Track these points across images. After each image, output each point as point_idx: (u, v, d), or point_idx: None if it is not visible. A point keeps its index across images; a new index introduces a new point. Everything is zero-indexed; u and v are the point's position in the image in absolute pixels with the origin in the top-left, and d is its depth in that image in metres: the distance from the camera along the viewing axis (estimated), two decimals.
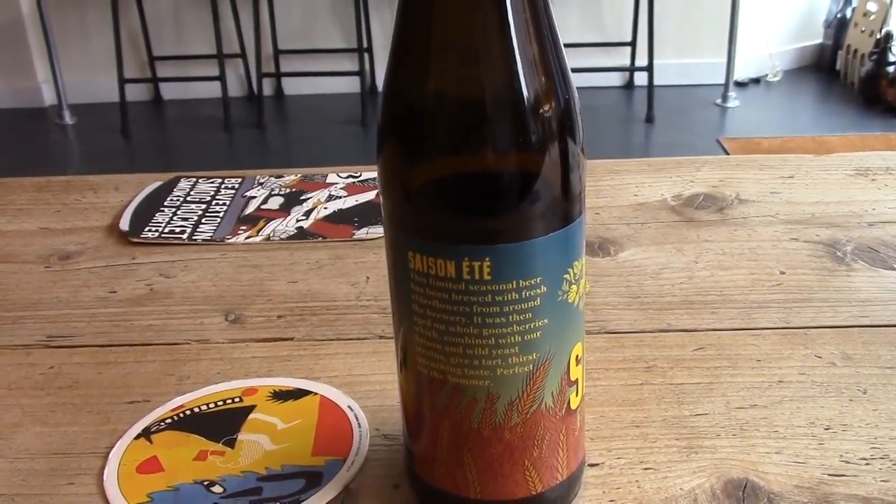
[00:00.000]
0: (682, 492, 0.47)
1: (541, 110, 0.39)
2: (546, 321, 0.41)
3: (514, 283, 0.40)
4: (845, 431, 0.51)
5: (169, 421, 0.55)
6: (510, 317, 0.40)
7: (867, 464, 0.49)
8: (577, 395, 0.44)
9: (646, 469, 0.49)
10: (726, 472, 0.49)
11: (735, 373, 0.57)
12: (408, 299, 0.42)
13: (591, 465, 0.50)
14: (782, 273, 0.69)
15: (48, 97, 4.41)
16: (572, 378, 0.43)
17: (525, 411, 0.42)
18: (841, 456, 0.50)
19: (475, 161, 0.40)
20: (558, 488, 0.45)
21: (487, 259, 0.39)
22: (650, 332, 0.62)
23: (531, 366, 0.41)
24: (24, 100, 4.43)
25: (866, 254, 0.71)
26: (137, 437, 0.53)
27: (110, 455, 0.52)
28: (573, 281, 0.41)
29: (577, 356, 0.43)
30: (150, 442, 0.53)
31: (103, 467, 0.51)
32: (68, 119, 4.19)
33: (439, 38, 0.39)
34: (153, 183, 0.89)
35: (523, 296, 0.40)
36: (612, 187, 0.85)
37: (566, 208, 0.40)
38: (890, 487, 0.47)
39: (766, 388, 0.55)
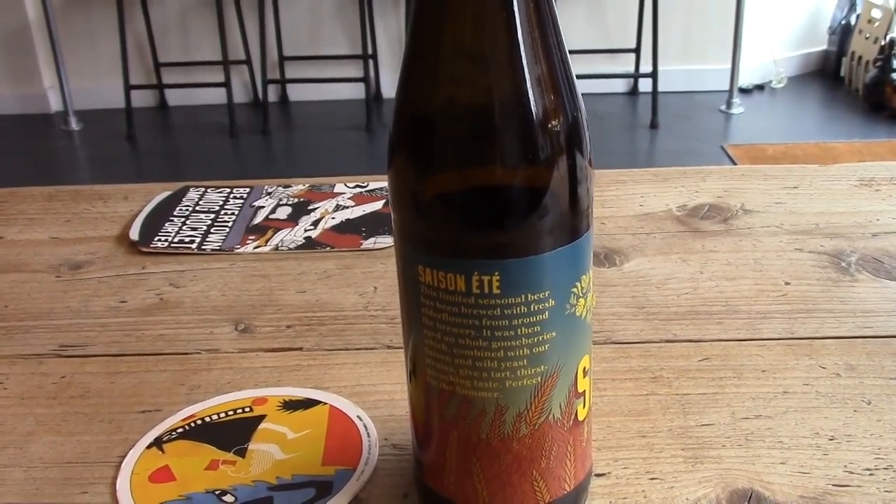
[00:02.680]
0: (688, 502, 0.48)
1: (551, 127, 0.40)
2: (554, 334, 0.42)
3: (523, 296, 0.40)
4: (849, 442, 0.52)
5: (180, 430, 0.55)
6: (519, 330, 0.41)
7: (871, 474, 0.50)
8: (584, 407, 0.45)
9: (652, 479, 0.50)
10: (731, 483, 0.49)
11: (740, 383, 0.58)
12: (418, 312, 0.42)
13: (598, 475, 0.50)
14: (787, 284, 0.69)
15: (54, 103, 4.43)
16: (580, 390, 0.44)
17: (533, 423, 0.43)
18: (845, 466, 0.50)
19: (486, 177, 0.40)
20: (565, 499, 0.46)
21: (497, 273, 0.40)
22: (656, 342, 0.63)
23: (539, 378, 0.42)
24: (30, 106, 4.45)
25: (870, 264, 0.72)
26: (149, 447, 0.54)
27: (123, 464, 0.53)
28: (581, 294, 0.42)
29: (585, 368, 0.44)
30: (162, 451, 0.54)
31: (116, 476, 0.52)
32: (74, 125, 4.21)
33: (450, 56, 0.40)
34: (162, 193, 0.89)
35: (532, 309, 0.41)
36: (617, 197, 0.86)
37: (574, 223, 0.41)
38: (894, 498, 0.48)
39: (770, 399, 0.56)
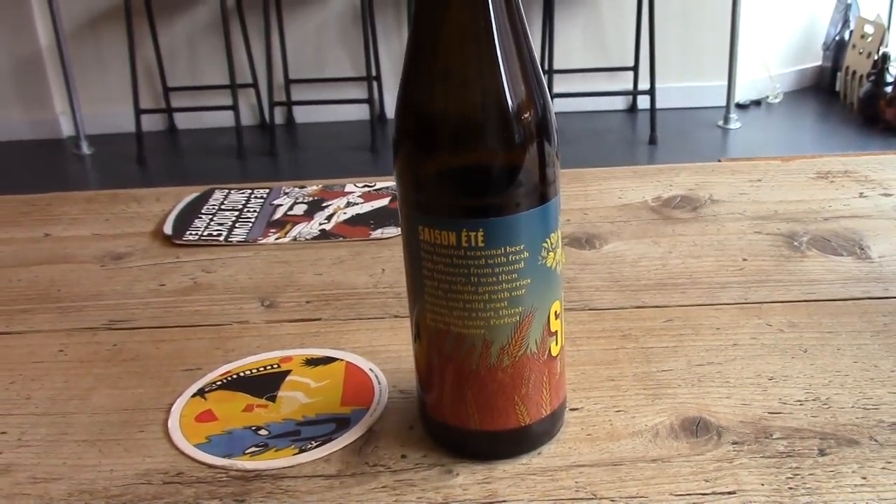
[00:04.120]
0: (647, 427, 0.58)
1: (520, 119, 0.50)
2: (529, 281, 0.51)
3: (503, 249, 0.50)
4: (785, 381, 0.62)
5: (219, 383, 0.65)
6: (500, 277, 0.51)
7: (801, 404, 0.59)
8: (556, 345, 0.55)
9: (617, 411, 0.59)
10: (684, 413, 0.59)
11: (697, 338, 0.67)
12: (418, 265, 0.52)
13: (573, 409, 0.60)
14: (745, 260, 0.79)
15: (66, 128, 4.54)
16: (552, 330, 0.54)
17: (514, 355, 0.53)
18: (780, 399, 0.60)
19: (471, 157, 0.50)
20: (543, 422, 0.55)
21: (481, 230, 0.50)
22: (627, 308, 0.72)
23: (518, 317, 0.52)
24: (42, 131, 4.56)
25: (819, 243, 0.81)
26: (194, 396, 0.64)
27: (172, 409, 0.62)
28: (550, 249, 0.52)
29: (556, 312, 0.54)
30: (205, 399, 0.63)
31: (167, 419, 0.62)
32: (86, 149, 4.32)
33: (442, 62, 0.50)
34: (190, 194, 0.99)
35: (510, 260, 0.50)
36: (599, 191, 0.96)
37: (543, 190, 0.51)
38: (817, 421, 0.57)
39: (722, 350, 0.66)
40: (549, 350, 0.54)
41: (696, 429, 0.57)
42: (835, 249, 0.80)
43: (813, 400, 0.60)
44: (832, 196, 0.91)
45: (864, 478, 0.52)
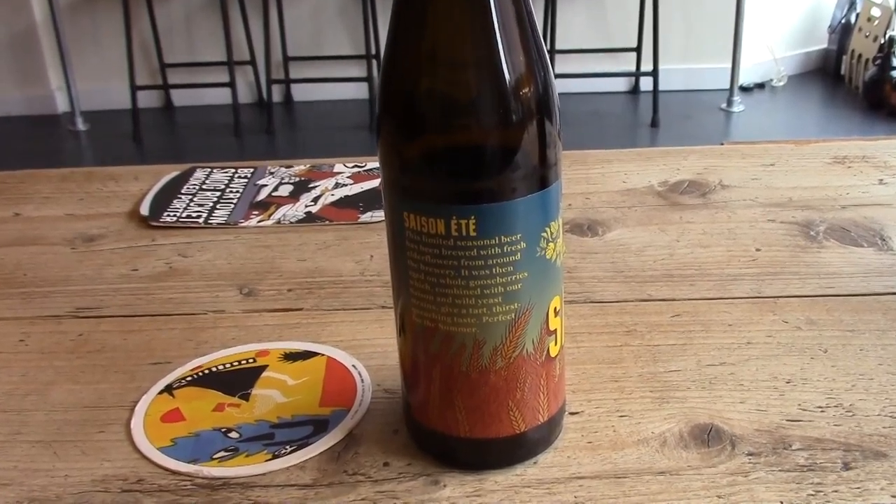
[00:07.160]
0: (654, 435, 0.53)
1: (518, 93, 0.44)
2: (526, 274, 0.46)
3: (497, 239, 0.45)
4: (805, 384, 0.57)
5: (189, 379, 0.60)
6: (494, 269, 0.45)
7: (822, 411, 0.54)
8: (556, 344, 0.49)
9: (621, 416, 0.54)
10: (694, 419, 0.54)
11: (707, 335, 0.62)
12: (403, 256, 0.47)
13: (572, 414, 0.55)
14: (758, 250, 0.74)
15: (61, 104, 4.48)
16: (551, 328, 0.49)
17: (508, 356, 0.47)
18: (799, 405, 0.55)
19: (463, 135, 0.45)
20: (540, 429, 0.50)
21: (473, 217, 0.44)
22: (631, 301, 0.67)
23: (513, 314, 0.47)
24: (37, 107, 4.50)
25: (838, 233, 0.76)
26: (161, 393, 0.59)
27: (136, 408, 0.57)
28: (550, 239, 0.47)
29: (556, 308, 0.49)
30: (173, 396, 0.58)
31: (130, 418, 0.56)
32: (81, 126, 4.26)
33: (429, 34, 0.44)
34: (170, 173, 0.94)
35: (505, 251, 0.45)
36: (602, 175, 0.90)
37: (543, 174, 0.46)
38: (841, 431, 0.52)
39: (734, 349, 0.61)
40: (548, 350, 0.49)
41: (708, 437, 0.52)
42: (854, 240, 0.75)
43: (835, 406, 0.54)
44: (850, 182, 0.86)
45: (895, 496, 0.47)
